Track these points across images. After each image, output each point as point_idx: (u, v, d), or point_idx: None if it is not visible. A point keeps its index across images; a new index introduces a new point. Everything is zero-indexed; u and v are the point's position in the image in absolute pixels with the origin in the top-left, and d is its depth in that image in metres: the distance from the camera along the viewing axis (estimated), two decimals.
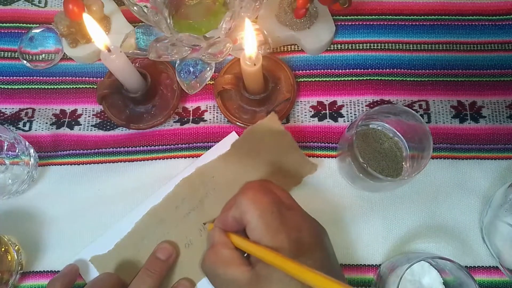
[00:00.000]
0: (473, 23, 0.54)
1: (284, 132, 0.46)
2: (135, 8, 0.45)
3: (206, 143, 0.49)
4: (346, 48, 0.53)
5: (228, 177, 0.46)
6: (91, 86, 0.53)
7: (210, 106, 0.51)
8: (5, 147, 0.47)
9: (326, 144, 0.49)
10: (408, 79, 0.51)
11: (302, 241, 0.32)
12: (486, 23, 0.54)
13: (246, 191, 0.33)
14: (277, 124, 0.47)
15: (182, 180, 0.47)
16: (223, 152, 0.47)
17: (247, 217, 0.32)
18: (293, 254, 0.30)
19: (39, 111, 0.52)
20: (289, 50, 0.53)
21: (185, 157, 0.49)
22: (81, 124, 0.51)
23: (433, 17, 0.54)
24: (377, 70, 0.52)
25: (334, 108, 0.51)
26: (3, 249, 0.43)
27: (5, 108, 0.52)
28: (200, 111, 0.51)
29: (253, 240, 0.32)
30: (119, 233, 0.45)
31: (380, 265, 0.45)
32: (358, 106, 0.51)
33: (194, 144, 0.49)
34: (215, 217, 0.37)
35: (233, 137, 0.49)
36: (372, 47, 0.53)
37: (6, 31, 0.55)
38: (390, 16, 0.54)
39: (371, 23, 0.54)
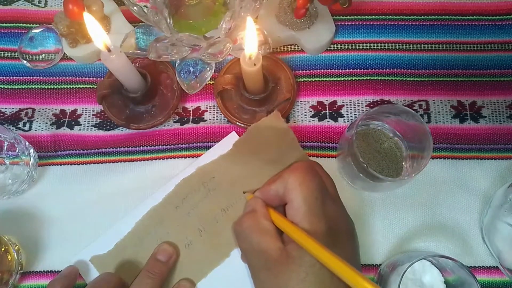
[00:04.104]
0: (473, 23, 0.54)
1: (286, 129, 0.47)
2: (135, 8, 0.45)
3: (206, 143, 0.49)
4: (346, 48, 0.53)
5: (229, 178, 0.46)
6: (91, 86, 0.53)
7: (210, 106, 0.51)
8: (5, 147, 0.47)
9: (326, 144, 0.49)
10: (408, 79, 0.51)
11: (337, 232, 0.32)
12: (486, 23, 0.54)
13: (295, 170, 0.33)
14: (280, 121, 0.47)
15: (182, 180, 0.47)
16: (225, 152, 0.47)
17: (291, 196, 0.33)
18: (328, 243, 0.31)
19: (39, 111, 0.52)
20: (289, 50, 0.53)
21: (185, 157, 0.49)
22: (81, 124, 0.51)
23: (433, 17, 0.54)
24: (377, 70, 0.52)
25: (334, 108, 0.51)
26: (3, 249, 0.43)
27: (5, 108, 0.52)
28: (200, 111, 0.51)
29: (291, 219, 0.33)
30: (119, 233, 0.45)
31: (380, 265, 0.45)
32: (358, 106, 0.51)
33: (194, 144, 0.49)
34: (255, 188, 0.37)
35: (233, 137, 0.49)
36: (372, 47, 0.53)
37: (6, 31, 0.55)
38: (390, 16, 0.54)
39: (371, 23, 0.54)
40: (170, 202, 0.46)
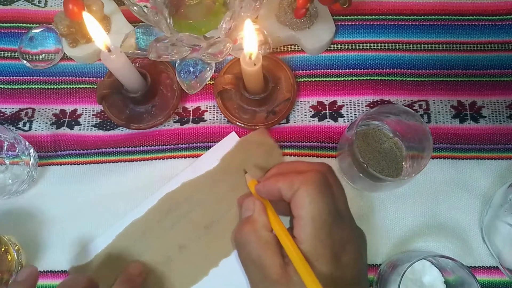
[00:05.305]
0: (473, 23, 0.54)
1: (273, 145, 0.47)
2: (135, 8, 0.45)
3: (206, 143, 0.49)
4: (346, 48, 0.53)
5: (214, 194, 0.46)
6: (91, 86, 0.53)
7: (210, 106, 0.51)
8: (5, 147, 0.47)
9: (326, 144, 0.49)
10: (408, 79, 0.51)
11: (342, 261, 0.31)
12: (486, 23, 0.54)
13: (308, 182, 0.31)
14: (266, 137, 0.47)
15: (166, 194, 0.46)
16: (211, 168, 0.47)
17: (299, 212, 0.31)
18: (329, 272, 0.30)
19: (39, 111, 0.52)
20: (289, 50, 0.53)
21: (185, 157, 0.49)
22: (81, 124, 0.51)
23: (433, 17, 0.54)
24: (377, 70, 0.52)
25: (334, 108, 0.51)
26: (3, 249, 0.43)
27: (5, 108, 0.52)
28: (200, 111, 0.51)
29: (295, 235, 0.31)
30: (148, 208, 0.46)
31: (380, 265, 0.45)
32: (358, 106, 0.51)
33: (194, 144, 0.49)
34: (253, 170, 0.36)
35: (233, 137, 0.49)
36: (372, 47, 0.53)
37: (6, 31, 0.55)
38: (390, 16, 0.54)
39: (371, 23, 0.54)
40: (152, 216, 0.45)
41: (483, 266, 0.45)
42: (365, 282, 0.34)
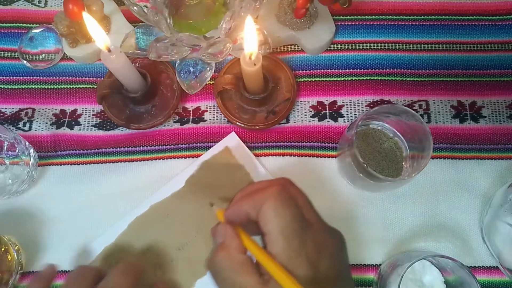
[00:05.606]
0: (473, 23, 0.54)
1: (237, 165, 0.46)
2: (135, 8, 0.45)
3: (206, 143, 0.49)
4: (346, 48, 0.53)
5: (183, 216, 0.46)
6: (91, 86, 0.53)
7: (210, 106, 0.51)
8: (5, 147, 0.47)
9: (326, 144, 0.49)
10: (408, 79, 0.51)
11: (319, 266, 0.31)
12: (486, 23, 0.54)
13: (270, 198, 0.31)
14: (230, 157, 0.47)
15: (135, 218, 0.46)
16: (177, 190, 0.47)
17: (267, 227, 0.31)
18: (308, 280, 0.29)
19: (39, 111, 0.52)
20: (289, 50, 0.53)
21: (185, 157, 0.49)
22: (81, 124, 0.51)
23: (433, 17, 0.54)
24: (377, 70, 0.52)
25: (334, 108, 0.51)
26: (3, 249, 0.43)
27: (5, 108, 0.52)
28: (200, 111, 0.51)
29: (269, 251, 0.31)
30: (117, 233, 0.45)
31: (380, 265, 0.45)
32: (358, 106, 0.51)
33: (194, 144, 0.49)
34: (219, 202, 0.35)
35: (233, 137, 0.49)
36: (372, 47, 0.53)
37: (6, 31, 0.55)
38: (390, 16, 0.54)
39: (371, 23, 0.54)
40: (124, 240, 0.45)
41: (483, 266, 0.45)
42: (348, 281, 0.34)
